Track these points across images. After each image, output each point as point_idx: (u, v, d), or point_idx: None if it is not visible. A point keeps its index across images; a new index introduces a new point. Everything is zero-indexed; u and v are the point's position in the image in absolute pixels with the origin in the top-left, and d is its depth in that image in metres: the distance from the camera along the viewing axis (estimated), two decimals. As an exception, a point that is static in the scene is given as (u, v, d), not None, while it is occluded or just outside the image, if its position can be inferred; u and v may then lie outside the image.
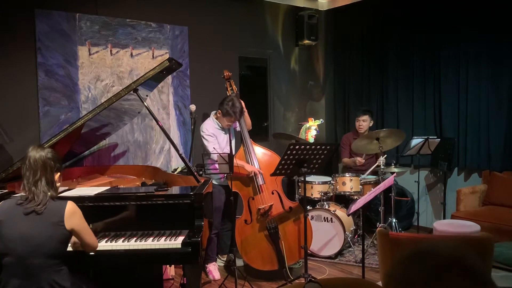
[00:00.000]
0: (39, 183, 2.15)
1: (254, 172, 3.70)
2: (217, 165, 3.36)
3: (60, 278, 2.14)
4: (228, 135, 3.84)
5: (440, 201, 5.04)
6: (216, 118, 3.86)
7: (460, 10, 4.69)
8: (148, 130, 4.41)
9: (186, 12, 4.62)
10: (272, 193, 3.78)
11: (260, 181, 3.73)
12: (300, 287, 2.02)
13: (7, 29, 3.61)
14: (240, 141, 3.94)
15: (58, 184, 2.28)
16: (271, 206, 3.72)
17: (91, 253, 2.38)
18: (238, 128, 3.95)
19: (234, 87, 4.00)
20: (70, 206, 2.19)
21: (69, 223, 2.15)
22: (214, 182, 3.84)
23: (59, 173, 2.28)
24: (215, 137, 3.81)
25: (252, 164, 3.75)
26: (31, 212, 2.11)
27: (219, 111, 3.79)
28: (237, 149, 3.94)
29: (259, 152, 3.87)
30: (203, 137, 3.80)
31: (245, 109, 3.92)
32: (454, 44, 4.78)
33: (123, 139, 4.26)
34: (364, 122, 4.92)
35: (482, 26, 4.55)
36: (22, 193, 2.19)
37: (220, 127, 3.87)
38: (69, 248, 2.36)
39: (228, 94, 3.94)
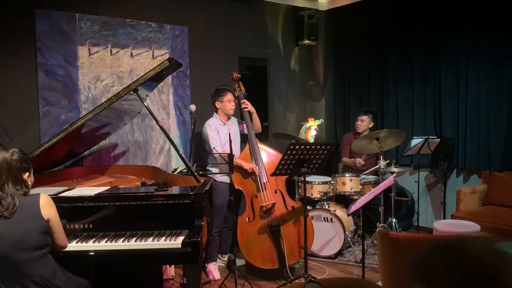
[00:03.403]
0: (5, 186, 2.11)
1: (254, 170, 3.74)
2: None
3: (49, 268, 2.13)
4: (229, 132, 3.87)
5: (440, 201, 5.05)
6: (218, 112, 3.99)
7: (460, 10, 4.69)
8: (148, 130, 4.41)
9: (186, 12, 4.62)
10: (276, 192, 3.79)
11: (264, 179, 3.76)
12: (300, 287, 2.02)
13: (7, 29, 3.61)
14: (244, 141, 3.98)
15: (29, 183, 2.25)
16: (273, 204, 3.73)
17: (91, 253, 2.38)
18: (246, 131, 3.99)
19: (242, 88, 4.05)
20: (45, 197, 2.18)
21: (45, 213, 2.14)
22: (219, 179, 3.87)
23: (27, 173, 2.23)
24: (217, 131, 3.90)
25: (257, 164, 3.77)
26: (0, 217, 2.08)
27: (217, 102, 3.96)
28: (241, 150, 4.00)
29: (264, 151, 3.92)
30: (207, 133, 3.90)
31: (253, 111, 3.98)
32: (454, 44, 4.78)
33: (123, 139, 4.25)
34: (362, 122, 4.92)
35: (482, 26, 4.54)
36: None
37: (223, 123, 3.96)
38: (76, 248, 2.35)
39: (236, 95, 3.99)
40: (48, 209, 2.16)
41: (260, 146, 3.90)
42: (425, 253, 1.00)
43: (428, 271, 0.97)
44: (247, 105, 3.96)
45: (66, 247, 2.33)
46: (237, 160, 3.71)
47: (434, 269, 0.97)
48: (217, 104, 3.97)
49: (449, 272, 0.95)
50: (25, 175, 2.22)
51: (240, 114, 4.22)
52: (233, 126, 4.07)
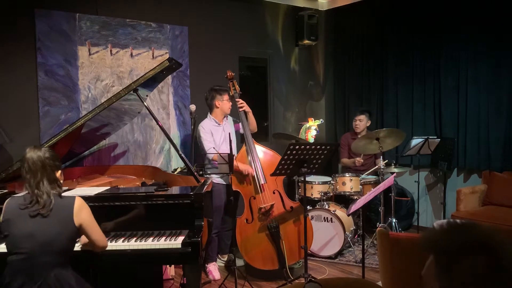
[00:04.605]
0: (41, 184, 2.14)
1: (249, 172, 3.72)
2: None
3: (66, 275, 2.14)
4: (225, 133, 3.86)
5: (440, 201, 5.05)
6: (213, 113, 3.96)
7: (460, 10, 4.69)
8: (148, 130, 4.41)
9: (186, 12, 4.62)
10: (274, 193, 3.78)
11: (262, 180, 3.75)
12: (300, 287, 2.02)
13: (7, 29, 3.62)
14: (241, 141, 3.97)
15: (61, 181, 2.28)
16: (272, 205, 3.72)
17: (91, 253, 2.38)
18: (241, 131, 3.97)
19: (237, 87, 4.01)
20: (79, 201, 2.20)
21: (77, 219, 2.16)
22: (216, 181, 3.86)
23: (59, 171, 2.27)
24: (211, 133, 3.87)
25: (254, 164, 3.76)
26: (36, 215, 2.10)
27: (218, 101, 3.92)
28: (238, 150, 3.97)
29: (261, 151, 3.89)
30: (200, 135, 3.87)
31: (249, 110, 3.95)
32: (454, 44, 4.78)
33: (123, 139, 4.26)
34: (360, 122, 4.93)
35: (482, 26, 4.55)
36: (25, 194, 2.17)
37: (217, 124, 3.93)
38: (77, 248, 2.36)
39: (231, 94, 3.97)
40: (80, 215, 2.17)
41: (257, 146, 3.88)
42: (438, 228, 1.10)
43: (438, 244, 1.05)
44: (243, 105, 3.92)
45: (106, 246, 2.33)
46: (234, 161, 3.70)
47: (444, 242, 1.05)
48: (218, 104, 3.93)
49: (454, 243, 1.02)
50: (58, 173, 2.24)
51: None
52: (228, 126, 4.04)
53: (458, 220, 1.10)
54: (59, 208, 2.14)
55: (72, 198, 2.20)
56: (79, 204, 2.19)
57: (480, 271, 0.96)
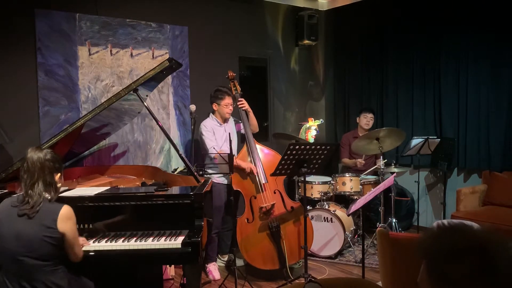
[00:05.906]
0: (36, 186, 2.14)
1: (252, 169, 3.72)
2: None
3: (56, 277, 2.13)
4: (226, 133, 3.86)
5: (440, 201, 5.05)
6: (215, 113, 3.96)
7: (460, 11, 4.69)
8: (148, 130, 4.41)
9: (186, 12, 4.62)
10: (274, 193, 3.78)
11: (263, 180, 3.74)
12: (300, 287, 2.02)
13: (7, 29, 3.61)
14: (242, 141, 3.97)
15: (59, 185, 2.27)
16: (273, 205, 3.72)
17: (91, 253, 2.38)
18: (243, 130, 3.97)
19: (238, 87, 4.02)
20: (66, 209, 2.16)
21: (62, 226, 2.13)
22: (216, 180, 3.86)
23: (59, 174, 2.26)
24: (212, 132, 3.87)
25: (254, 164, 3.76)
26: (23, 215, 2.10)
27: (215, 104, 3.92)
28: (239, 150, 3.97)
29: (262, 151, 3.89)
30: (202, 133, 3.87)
31: (250, 110, 3.95)
32: (454, 44, 4.78)
33: (123, 139, 4.25)
34: (371, 120, 4.96)
35: (482, 27, 4.55)
36: (19, 194, 2.18)
37: (219, 124, 3.93)
38: None
39: (232, 95, 3.98)
40: (65, 223, 2.14)
41: (258, 146, 3.88)
42: (429, 233, 1.09)
43: (429, 249, 1.04)
44: (244, 104, 3.91)
45: (80, 258, 2.29)
46: (235, 160, 3.70)
47: (434, 247, 1.04)
48: (214, 106, 3.94)
49: (443, 247, 1.00)
50: (57, 176, 2.24)
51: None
52: (230, 126, 4.05)
53: (447, 223, 1.08)
54: (45, 213, 2.12)
55: (60, 205, 2.17)
56: (66, 212, 2.15)
57: (471, 273, 0.95)
